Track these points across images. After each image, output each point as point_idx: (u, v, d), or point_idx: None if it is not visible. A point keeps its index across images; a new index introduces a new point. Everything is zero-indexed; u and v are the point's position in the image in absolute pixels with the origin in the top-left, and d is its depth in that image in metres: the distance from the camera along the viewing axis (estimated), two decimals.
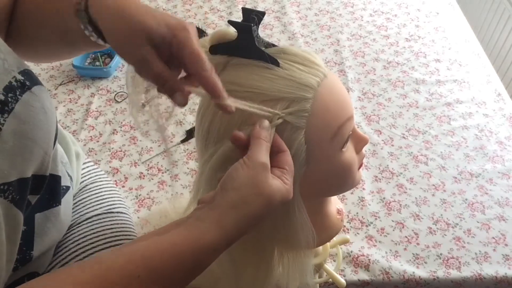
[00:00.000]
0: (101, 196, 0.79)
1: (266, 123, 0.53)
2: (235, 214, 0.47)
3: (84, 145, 1.08)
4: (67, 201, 0.68)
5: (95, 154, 1.06)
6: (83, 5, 0.51)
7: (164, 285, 0.44)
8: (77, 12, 0.52)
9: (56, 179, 0.63)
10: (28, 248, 0.59)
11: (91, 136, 1.10)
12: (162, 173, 1.03)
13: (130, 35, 0.48)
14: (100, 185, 0.82)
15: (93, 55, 1.29)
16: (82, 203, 0.77)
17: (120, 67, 1.29)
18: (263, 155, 0.50)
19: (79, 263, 0.45)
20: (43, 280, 0.42)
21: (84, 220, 0.74)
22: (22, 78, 0.49)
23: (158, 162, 1.05)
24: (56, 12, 0.55)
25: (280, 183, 0.50)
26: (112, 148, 1.08)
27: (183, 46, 0.48)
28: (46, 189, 0.60)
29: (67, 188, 0.68)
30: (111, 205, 0.79)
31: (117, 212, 0.78)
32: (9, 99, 0.47)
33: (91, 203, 0.77)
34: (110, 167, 1.04)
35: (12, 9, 0.58)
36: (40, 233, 0.61)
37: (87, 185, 0.81)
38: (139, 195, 0.99)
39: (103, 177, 0.85)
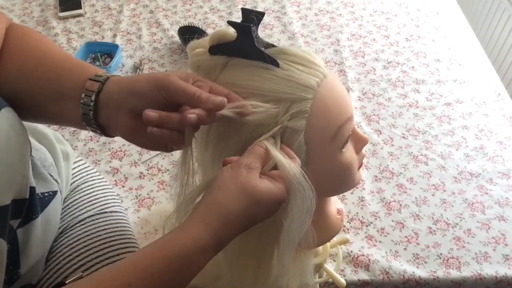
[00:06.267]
0: (93, 196, 0.77)
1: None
2: (219, 210, 0.47)
3: (84, 145, 1.08)
4: (54, 207, 0.65)
5: (95, 154, 1.06)
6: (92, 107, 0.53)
7: None
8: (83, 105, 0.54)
9: (31, 191, 0.59)
10: (15, 267, 0.58)
11: (91, 136, 1.10)
12: (162, 173, 1.03)
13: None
14: (92, 184, 0.80)
15: (93, 55, 1.29)
16: (74, 205, 0.75)
17: (120, 67, 1.29)
18: (249, 157, 0.51)
19: (75, 282, 0.44)
20: None
21: (77, 223, 0.72)
22: None
23: (158, 162, 1.05)
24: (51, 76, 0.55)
25: (270, 183, 0.50)
26: (112, 148, 1.08)
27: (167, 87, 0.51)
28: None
29: (54, 193, 0.65)
30: (104, 205, 0.76)
31: (111, 212, 0.76)
32: None
33: (83, 204, 0.75)
34: (110, 167, 1.04)
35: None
36: (24, 248, 0.58)
37: (78, 186, 0.78)
38: (139, 195, 0.99)
39: (95, 176, 0.82)
